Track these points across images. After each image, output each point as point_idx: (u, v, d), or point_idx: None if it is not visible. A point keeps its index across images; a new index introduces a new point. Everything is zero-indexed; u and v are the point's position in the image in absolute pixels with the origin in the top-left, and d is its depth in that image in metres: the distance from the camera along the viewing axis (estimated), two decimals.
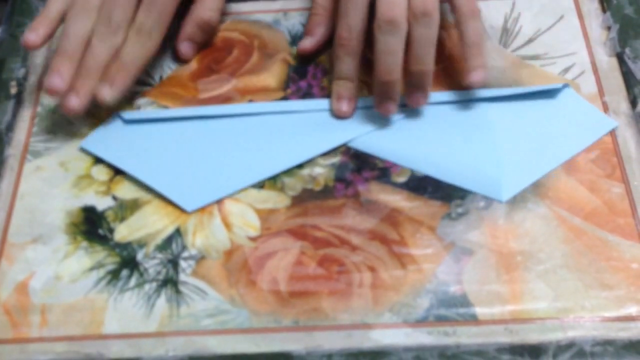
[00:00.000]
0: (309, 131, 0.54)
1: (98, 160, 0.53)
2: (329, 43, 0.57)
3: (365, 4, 0.52)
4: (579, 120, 0.54)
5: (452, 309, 0.46)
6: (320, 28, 0.58)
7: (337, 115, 0.54)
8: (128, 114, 0.55)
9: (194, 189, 0.52)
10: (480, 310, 0.46)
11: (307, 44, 0.58)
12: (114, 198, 0.52)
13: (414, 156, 0.52)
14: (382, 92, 0.53)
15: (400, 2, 0.51)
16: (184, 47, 0.58)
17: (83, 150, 0.54)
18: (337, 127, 0.54)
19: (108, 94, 0.53)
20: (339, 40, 0.53)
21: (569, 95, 0.55)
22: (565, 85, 0.55)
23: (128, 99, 0.56)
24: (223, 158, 0.53)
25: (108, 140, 0.54)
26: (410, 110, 0.54)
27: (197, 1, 0.58)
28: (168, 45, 0.59)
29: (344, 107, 0.54)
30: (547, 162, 0.52)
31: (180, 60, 0.58)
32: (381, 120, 0.54)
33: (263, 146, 0.53)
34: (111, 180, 0.52)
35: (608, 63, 0.57)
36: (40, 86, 0.57)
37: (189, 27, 0.58)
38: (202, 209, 0.51)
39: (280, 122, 0.55)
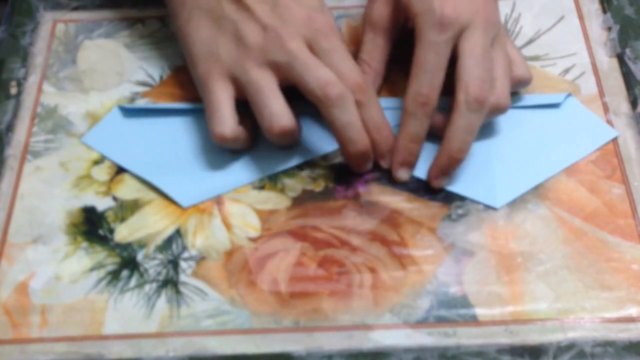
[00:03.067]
0: (310, 132, 0.54)
1: (98, 161, 0.53)
2: None
3: (447, 62, 0.49)
4: (579, 128, 0.54)
5: (453, 310, 0.46)
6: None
7: (396, 181, 0.51)
8: (128, 106, 0.55)
9: (191, 185, 0.51)
10: (480, 311, 0.46)
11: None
12: (114, 198, 0.52)
13: None
14: (446, 167, 0.50)
15: (488, 82, 0.49)
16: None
17: (83, 149, 0.54)
18: None
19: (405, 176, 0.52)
20: (419, 97, 0.49)
21: (569, 103, 0.55)
22: (568, 95, 0.55)
23: (128, 100, 0.56)
24: (221, 155, 0.53)
25: (108, 135, 0.54)
26: None
27: None
28: (168, 45, 0.59)
29: (405, 176, 0.51)
30: (544, 170, 0.52)
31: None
32: None
33: (262, 145, 0.53)
34: (111, 180, 0.52)
35: (608, 64, 0.57)
36: (40, 86, 0.57)
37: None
38: (202, 210, 0.51)
39: None
